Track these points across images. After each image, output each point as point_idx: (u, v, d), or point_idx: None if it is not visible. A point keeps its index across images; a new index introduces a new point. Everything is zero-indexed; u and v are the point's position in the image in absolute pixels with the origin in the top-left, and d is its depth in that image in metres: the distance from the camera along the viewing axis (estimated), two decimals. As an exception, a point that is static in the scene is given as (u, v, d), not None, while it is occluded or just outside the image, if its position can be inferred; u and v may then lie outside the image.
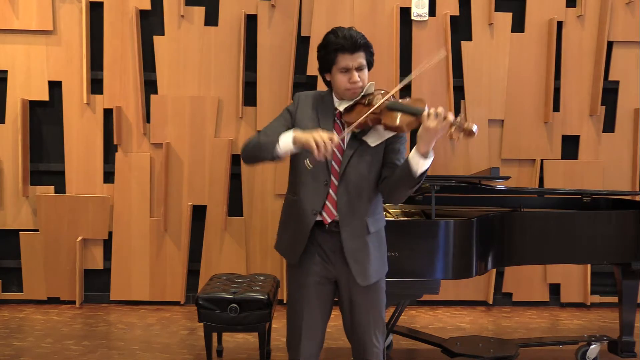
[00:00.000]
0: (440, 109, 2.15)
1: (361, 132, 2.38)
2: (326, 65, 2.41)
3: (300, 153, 2.37)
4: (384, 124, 2.27)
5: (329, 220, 2.40)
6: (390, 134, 2.36)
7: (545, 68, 5.04)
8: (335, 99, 2.46)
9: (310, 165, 2.35)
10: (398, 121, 2.23)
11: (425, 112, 2.16)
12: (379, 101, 2.28)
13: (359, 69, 2.37)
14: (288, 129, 2.39)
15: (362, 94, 2.40)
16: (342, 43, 2.34)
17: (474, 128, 2.11)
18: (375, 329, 2.50)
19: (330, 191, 2.40)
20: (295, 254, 2.46)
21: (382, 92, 2.37)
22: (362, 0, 4.98)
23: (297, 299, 2.50)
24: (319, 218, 2.40)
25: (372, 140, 2.38)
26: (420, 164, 2.22)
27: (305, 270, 2.46)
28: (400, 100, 2.32)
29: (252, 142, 2.43)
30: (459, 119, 2.14)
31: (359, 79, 2.36)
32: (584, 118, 5.10)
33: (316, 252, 2.45)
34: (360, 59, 2.36)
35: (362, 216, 2.41)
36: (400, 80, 4.89)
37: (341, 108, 2.41)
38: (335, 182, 2.40)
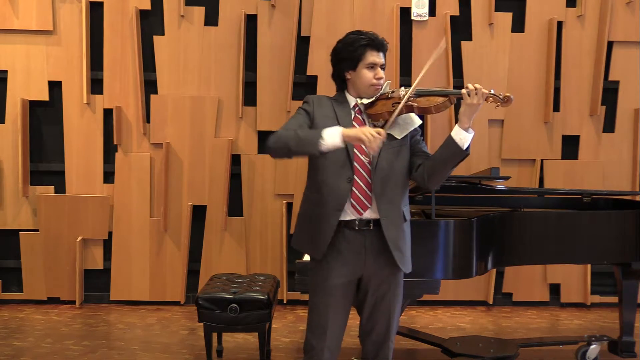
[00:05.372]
0: (477, 85, 2.32)
1: (385, 126, 2.47)
2: (352, 62, 2.49)
3: (328, 152, 2.36)
4: (418, 107, 2.43)
5: (355, 217, 2.44)
6: (414, 126, 2.51)
7: (545, 68, 5.04)
8: (350, 98, 2.55)
9: (370, 157, 2.41)
10: (431, 103, 2.41)
11: (466, 91, 2.33)
12: (400, 93, 2.45)
13: (382, 67, 2.51)
14: (309, 126, 2.46)
15: (381, 91, 2.52)
16: (371, 39, 2.48)
17: (511, 96, 2.33)
18: (392, 323, 2.54)
19: (362, 185, 2.43)
20: (319, 249, 2.45)
21: (399, 88, 2.51)
22: (362, 0, 4.98)
23: (322, 299, 2.49)
24: (342, 216, 2.43)
25: (398, 132, 2.49)
26: (466, 138, 2.36)
27: (333, 271, 2.47)
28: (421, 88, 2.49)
29: (285, 135, 2.37)
30: (492, 91, 2.35)
31: (383, 76, 2.51)
32: (584, 118, 5.10)
33: (345, 250, 2.46)
34: (383, 58, 2.51)
35: (399, 205, 2.49)
36: (400, 79, 4.93)
37: (364, 102, 2.51)
38: (367, 176, 2.44)
